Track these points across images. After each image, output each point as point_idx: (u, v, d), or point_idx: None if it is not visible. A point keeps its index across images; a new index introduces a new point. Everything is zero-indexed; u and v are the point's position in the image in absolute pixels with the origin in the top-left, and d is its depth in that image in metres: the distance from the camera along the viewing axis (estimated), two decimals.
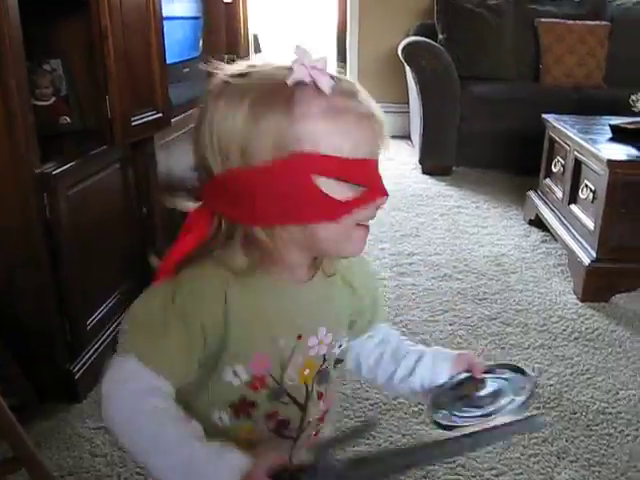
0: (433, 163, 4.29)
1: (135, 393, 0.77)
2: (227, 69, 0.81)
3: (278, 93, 0.75)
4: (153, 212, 2.33)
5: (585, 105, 3.90)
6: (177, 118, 2.48)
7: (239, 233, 0.81)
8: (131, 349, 0.79)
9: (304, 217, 0.78)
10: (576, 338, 2.29)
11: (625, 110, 2.88)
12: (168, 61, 2.33)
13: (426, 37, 4.46)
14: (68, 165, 1.80)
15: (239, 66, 0.81)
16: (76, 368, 1.88)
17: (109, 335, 2.07)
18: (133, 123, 2.02)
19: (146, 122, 2.10)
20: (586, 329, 2.35)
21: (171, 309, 0.81)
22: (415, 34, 4.69)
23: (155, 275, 0.87)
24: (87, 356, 1.94)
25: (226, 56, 3.34)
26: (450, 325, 2.36)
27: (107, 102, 1.91)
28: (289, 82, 0.74)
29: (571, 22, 4.51)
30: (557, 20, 4.53)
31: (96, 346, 1.99)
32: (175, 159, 2.53)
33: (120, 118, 1.94)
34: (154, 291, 0.86)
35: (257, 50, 4.32)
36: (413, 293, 2.60)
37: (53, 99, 2.06)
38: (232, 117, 0.76)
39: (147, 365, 0.78)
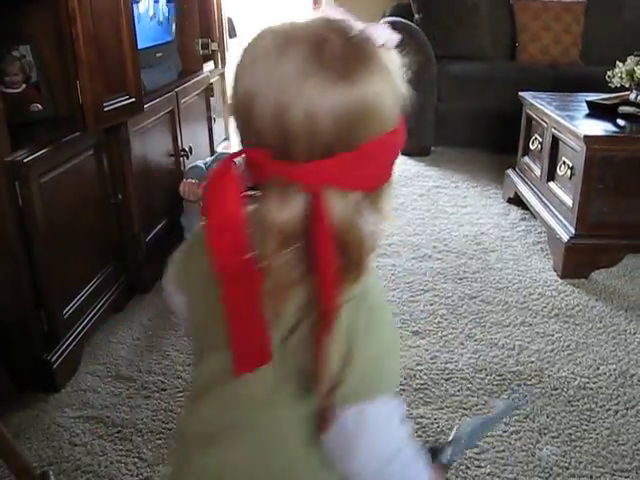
0: (412, 144, 4.18)
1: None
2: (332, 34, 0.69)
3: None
4: (129, 198, 2.30)
5: (562, 82, 3.90)
6: (151, 103, 2.44)
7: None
8: (389, 389, 0.77)
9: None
10: (556, 315, 2.30)
11: (602, 86, 2.88)
12: (141, 46, 2.30)
13: (402, 17, 4.44)
14: (40, 152, 1.77)
15: (341, 29, 0.70)
16: (54, 357, 1.86)
17: (87, 323, 2.05)
18: (105, 109, 1.99)
19: (119, 107, 2.07)
20: (566, 305, 2.36)
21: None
22: (391, 14, 4.66)
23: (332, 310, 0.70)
24: (65, 345, 1.92)
25: (200, 40, 3.31)
26: (430, 305, 2.35)
27: (78, 88, 1.88)
28: (383, 44, 0.72)
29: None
30: None
31: (74, 335, 1.97)
32: (150, 144, 2.50)
33: (92, 104, 1.91)
34: (385, 319, 0.79)
35: (232, 34, 4.28)
36: (393, 274, 2.60)
37: (23, 86, 2.02)
38: (393, 89, 0.73)
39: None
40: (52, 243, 1.84)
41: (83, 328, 2.03)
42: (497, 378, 1.93)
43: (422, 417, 1.77)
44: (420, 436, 1.69)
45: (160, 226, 2.62)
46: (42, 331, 1.85)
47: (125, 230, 2.33)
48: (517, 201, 3.27)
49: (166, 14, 2.82)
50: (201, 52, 3.30)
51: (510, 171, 3.38)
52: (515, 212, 3.25)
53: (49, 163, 1.82)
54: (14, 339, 1.81)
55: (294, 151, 0.68)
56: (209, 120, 3.38)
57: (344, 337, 0.71)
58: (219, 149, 3.53)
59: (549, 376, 1.95)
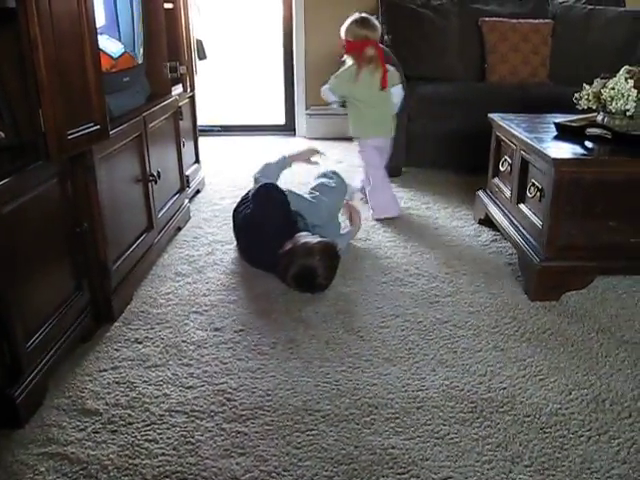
0: None
1: None
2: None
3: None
4: (95, 226, 2.26)
5: (531, 102, 3.94)
6: (118, 129, 2.41)
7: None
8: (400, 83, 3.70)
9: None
10: (528, 339, 2.29)
11: (570, 106, 2.88)
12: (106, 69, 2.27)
13: None
14: (1, 182, 1.72)
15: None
16: (17, 392, 1.81)
17: (52, 355, 2.01)
18: (69, 137, 1.95)
19: (83, 135, 2.03)
20: (538, 329, 2.35)
21: None
22: None
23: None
24: (29, 378, 1.87)
25: (168, 64, 3.28)
26: (402, 330, 2.34)
27: (40, 115, 1.85)
28: None
29: (514, 21, 4.55)
30: (500, 19, 4.57)
31: (38, 367, 1.93)
32: (117, 170, 2.47)
33: (55, 132, 1.87)
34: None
35: (202, 56, 4.26)
36: (364, 299, 2.58)
37: None
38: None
39: None
40: (14, 273, 1.80)
41: (48, 360, 1.98)
42: (469, 406, 1.91)
43: (394, 448, 1.74)
44: (392, 468, 1.67)
45: (128, 253, 2.58)
46: (4, 364, 1.80)
47: (91, 258, 2.29)
48: (488, 222, 3.28)
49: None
50: (169, 75, 3.28)
51: (481, 192, 3.39)
52: (486, 233, 3.26)
53: (11, 193, 1.78)
54: None
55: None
56: (178, 144, 3.35)
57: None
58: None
59: (521, 402, 1.93)
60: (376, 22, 3.37)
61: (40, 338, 1.95)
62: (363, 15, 3.35)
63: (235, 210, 3.11)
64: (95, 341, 2.28)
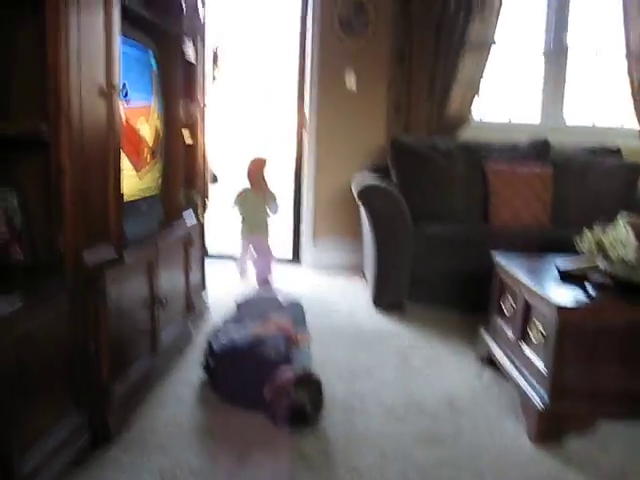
0: (387, 300, 4.31)
1: None
2: None
3: None
4: (101, 349, 2.28)
5: (533, 245, 4.01)
6: (132, 254, 2.46)
7: None
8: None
9: None
10: None
11: (571, 247, 2.95)
12: (126, 198, 2.35)
13: (379, 175, 4.62)
14: (15, 307, 1.75)
15: None
16: None
17: (48, 477, 1.97)
18: (85, 260, 2.01)
19: (99, 259, 2.09)
20: (540, 474, 2.32)
21: None
22: (369, 171, 4.85)
23: None
24: None
25: (183, 190, 3.39)
26: (402, 473, 2.29)
27: (60, 239, 1.90)
28: None
29: (518, 167, 4.71)
30: (504, 165, 4.73)
31: None
32: (126, 294, 2.50)
33: (72, 255, 1.93)
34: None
35: (213, 180, 4.44)
36: (365, 437, 2.54)
37: (4, 231, 2.03)
38: None
39: None
40: (16, 395, 1.80)
41: None
42: None
43: None
44: None
45: (130, 375, 2.58)
46: None
47: (94, 380, 2.29)
48: (490, 361, 3.27)
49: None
50: (184, 203, 3.37)
51: (483, 331, 3.41)
52: (488, 373, 3.24)
53: (24, 314, 1.81)
54: None
55: None
56: (186, 269, 3.41)
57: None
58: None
59: None
60: (262, 159, 4.90)
61: (35, 461, 1.92)
62: (255, 157, 4.91)
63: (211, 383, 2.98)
64: (89, 465, 2.23)
